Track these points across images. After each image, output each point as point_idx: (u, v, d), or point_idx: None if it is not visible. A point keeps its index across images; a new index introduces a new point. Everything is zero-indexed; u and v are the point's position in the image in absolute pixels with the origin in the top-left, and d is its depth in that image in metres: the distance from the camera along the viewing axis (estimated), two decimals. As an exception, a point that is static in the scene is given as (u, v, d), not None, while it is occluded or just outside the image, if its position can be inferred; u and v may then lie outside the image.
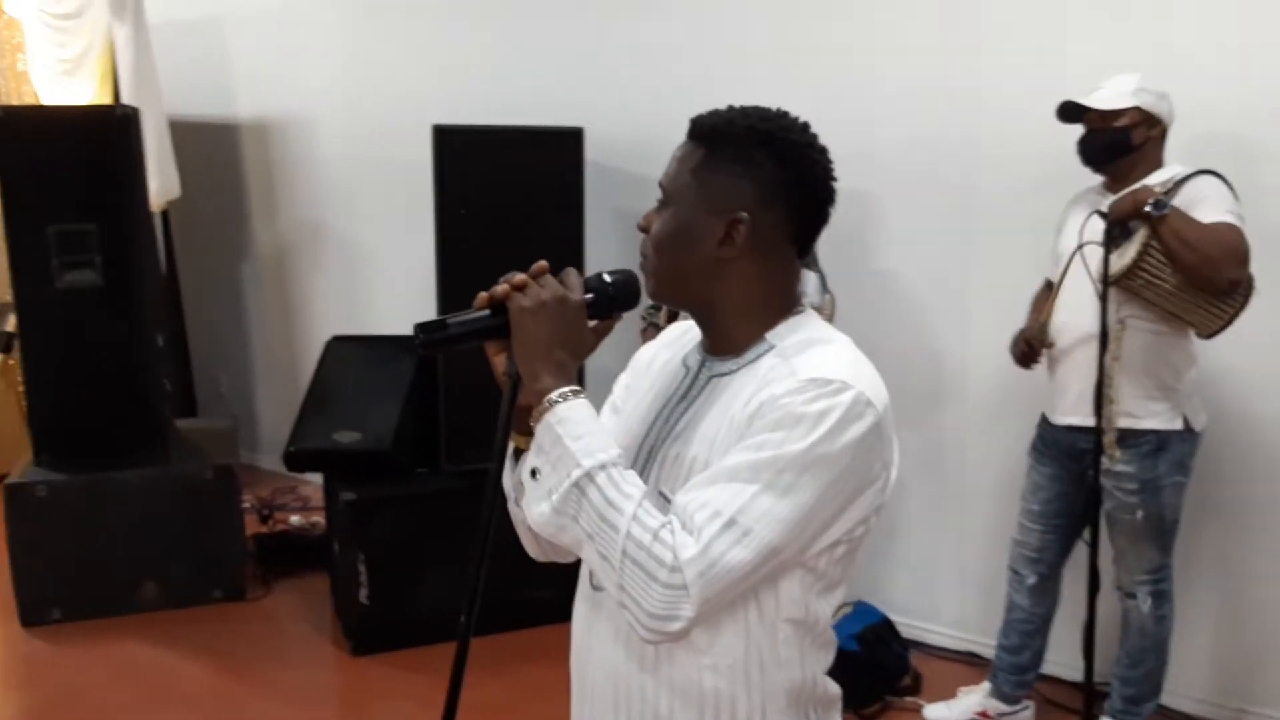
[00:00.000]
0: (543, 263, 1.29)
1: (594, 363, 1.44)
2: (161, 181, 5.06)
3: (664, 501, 1.24)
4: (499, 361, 1.31)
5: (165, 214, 5.61)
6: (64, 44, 5.22)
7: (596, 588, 1.35)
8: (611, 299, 1.32)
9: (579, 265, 3.84)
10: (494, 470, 1.31)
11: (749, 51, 4.03)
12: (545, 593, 3.47)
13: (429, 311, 4.00)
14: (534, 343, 1.25)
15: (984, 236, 3.59)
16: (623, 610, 1.21)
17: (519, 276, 1.28)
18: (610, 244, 4.07)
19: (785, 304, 1.34)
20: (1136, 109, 2.84)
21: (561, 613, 3.83)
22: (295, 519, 5.08)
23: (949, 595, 3.80)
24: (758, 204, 1.29)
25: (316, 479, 5.00)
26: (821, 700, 1.35)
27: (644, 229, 1.35)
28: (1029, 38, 3.42)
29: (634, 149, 4.27)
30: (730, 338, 1.34)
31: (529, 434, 1.26)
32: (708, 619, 1.21)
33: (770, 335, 1.31)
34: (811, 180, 1.32)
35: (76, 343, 4.19)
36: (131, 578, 4.16)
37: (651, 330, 3.56)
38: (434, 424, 4.02)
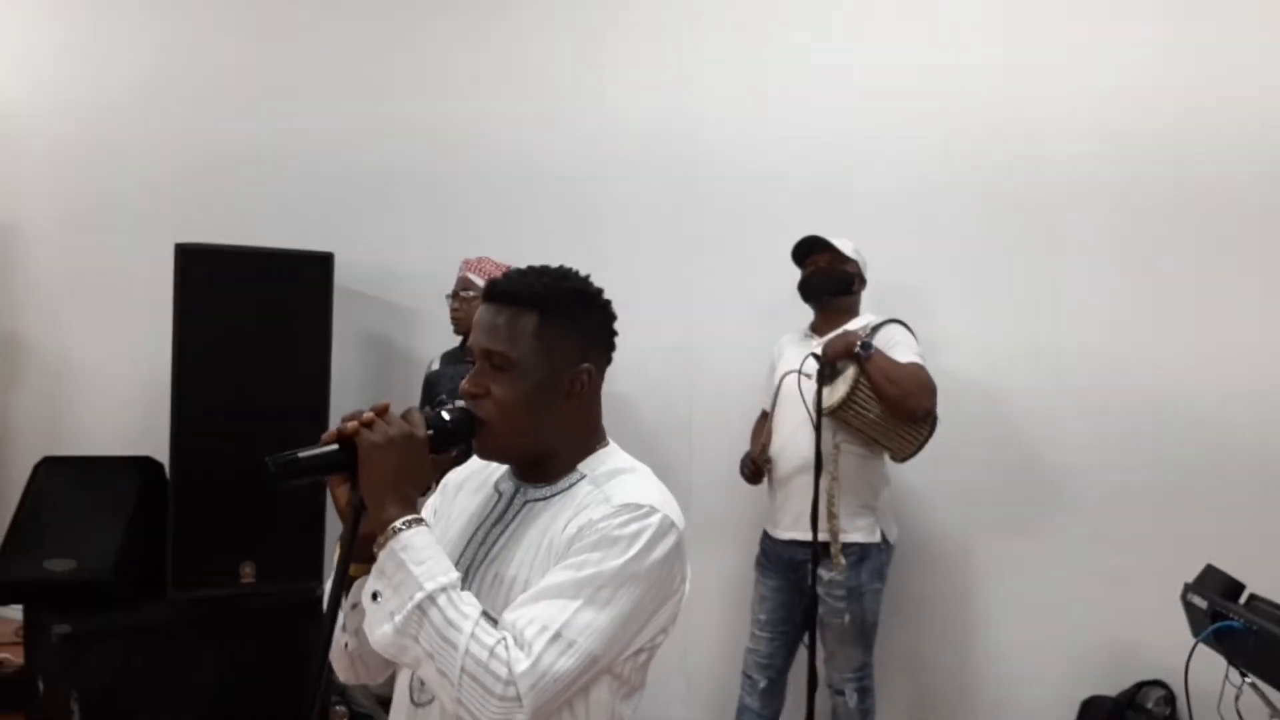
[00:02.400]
0: (386, 401, 1.40)
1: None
2: None
3: (494, 622, 1.34)
4: (341, 493, 1.38)
5: None
6: None
7: (418, 703, 1.43)
8: (451, 434, 1.43)
9: (325, 388, 3.89)
10: (333, 590, 1.36)
11: (496, 184, 4.28)
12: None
13: (157, 434, 3.89)
14: (381, 475, 1.34)
15: (706, 369, 3.97)
16: None
17: (367, 414, 1.37)
18: (355, 367, 4.14)
19: (598, 438, 1.52)
20: (856, 262, 3.33)
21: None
22: (-17, 657, 4.60)
23: (678, 708, 4.02)
24: (593, 354, 1.47)
25: (8, 612, 4.60)
26: None
27: (476, 394, 1.44)
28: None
29: (381, 277, 4.39)
30: (548, 470, 1.48)
31: (367, 561, 1.35)
32: None
33: (581, 466, 1.48)
34: (613, 329, 1.54)
35: None
36: None
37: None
38: (160, 551, 3.85)
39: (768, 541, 3.41)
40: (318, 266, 3.98)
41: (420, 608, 1.28)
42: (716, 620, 3.91)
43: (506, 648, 1.28)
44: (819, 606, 3.19)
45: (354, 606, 1.38)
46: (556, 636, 1.29)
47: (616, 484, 1.43)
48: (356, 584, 1.39)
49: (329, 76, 4.58)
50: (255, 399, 3.78)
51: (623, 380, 4.02)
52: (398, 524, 1.32)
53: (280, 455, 1.34)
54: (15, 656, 4.27)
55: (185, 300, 3.78)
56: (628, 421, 4.02)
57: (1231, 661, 2.56)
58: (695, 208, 3.99)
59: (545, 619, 1.30)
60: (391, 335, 4.36)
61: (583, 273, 1.53)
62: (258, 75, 4.70)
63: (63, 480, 4.07)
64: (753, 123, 3.89)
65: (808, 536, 3.10)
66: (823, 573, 3.15)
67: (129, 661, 3.64)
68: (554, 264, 1.52)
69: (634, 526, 1.36)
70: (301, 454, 1.36)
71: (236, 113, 4.71)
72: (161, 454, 3.91)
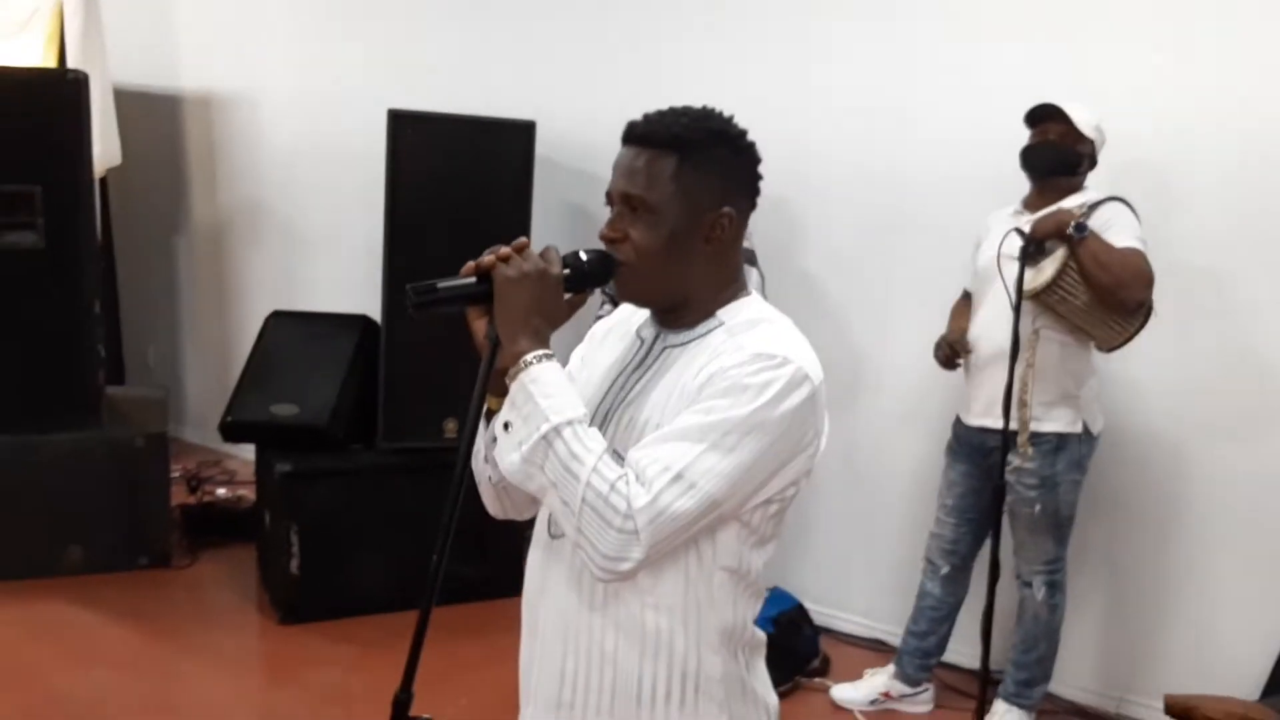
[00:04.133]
0: (524, 239, 1.41)
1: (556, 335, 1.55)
2: (103, 148, 5.03)
3: (620, 460, 1.35)
4: (479, 326, 1.41)
5: (104, 181, 5.58)
6: (12, 3, 5.17)
7: (554, 535, 1.47)
8: (586, 275, 1.43)
9: (525, 254, 3.99)
10: (469, 422, 1.40)
11: (690, 58, 4.20)
12: (472, 570, 3.62)
13: (373, 293, 4.10)
14: (514, 310, 1.36)
15: (906, 246, 3.80)
16: (579, 552, 1.34)
17: (504, 249, 1.38)
18: (556, 236, 4.13)
19: (738, 285, 1.49)
20: (1091, 141, 3.07)
21: (492, 590, 4.00)
22: (222, 491, 5.11)
23: (860, 585, 4.01)
24: (733, 199, 1.43)
25: (243, 454, 5.05)
26: (750, 643, 1.49)
27: (616, 239, 1.43)
28: (954, 64, 3.65)
29: (582, 146, 4.42)
30: (688, 316, 1.47)
31: (503, 394, 1.38)
32: (654, 563, 1.34)
33: (720, 313, 1.45)
34: (757, 170, 1.48)
35: (13, 303, 4.18)
36: (57, 541, 4.16)
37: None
38: (372, 402, 4.10)
39: (959, 427, 3.28)
40: (521, 134, 4.04)
41: (546, 439, 1.31)
42: (903, 503, 3.84)
43: (628, 483, 1.30)
44: (1009, 495, 3.07)
45: (493, 440, 1.42)
46: (678, 477, 1.30)
47: (752, 334, 1.40)
48: (495, 417, 1.41)
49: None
50: (461, 262, 3.90)
51: (813, 257, 3.97)
52: (529, 357, 1.34)
53: (419, 284, 1.38)
54: (252, 495, 4.69)
55: (396, 164, 3.93)
56: (820, 299, 3.94)
57: None
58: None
59: (668, 459, 1.31)
60: (589, 206, 4.41)
61: (726, 114, 1.48)
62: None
63: (289, 333, 4.39)
64: None
65: (999, 424, 2.96)
66: (1015, 460, 3.02)
67: (341, 501, 3.94)
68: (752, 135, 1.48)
69: (765, 375, 1.33)
70: (440, 284, 1.39)
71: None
72: (377, 311, 4.14)
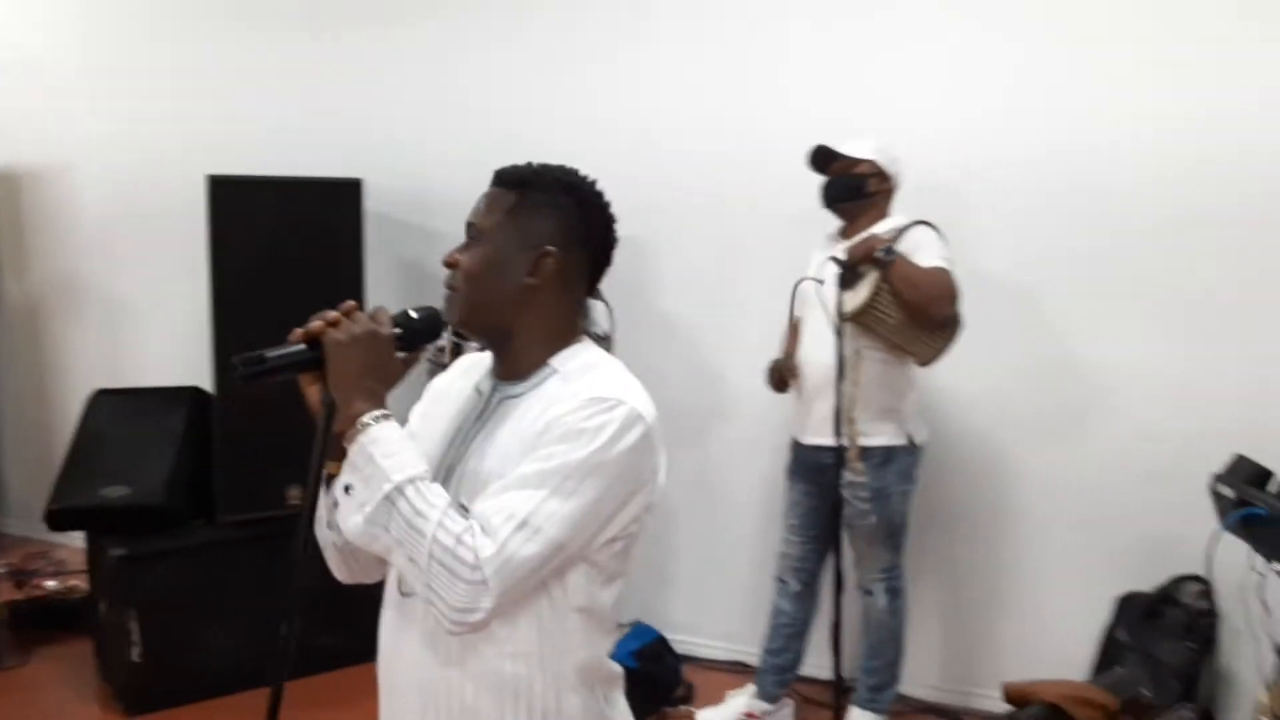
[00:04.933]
0: (351, 302, 1.44)
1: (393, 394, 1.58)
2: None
3: (465, 512, 1.38)
4: (313, 392, 1.43)
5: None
6: None
7: (405, 594, 1.48)
8: (418, 333, 1.47)
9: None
10: (310, 489, 1.41)
11: (520, 105, 4.28)
12: (330, 640, 3.54)
13: (202, 364, 3.99)
14: (348, 373, 1.38)
15: (743, 277, 3.97)
16: (430, 608, 1.35)
17: (332, 314, 1.41)
18: (392, 293, 4.18)
19: (571, 333, 1.54)
20: (872, 162, 3.28)
21: (351, 658, 3.90)
22: (52, 583, 4.82)
23: (718, 610, 4.10)
24: (562, 242, 1.49)
25: (72, 541, 4.80)
26: (607, 678, 1.53)
27: (451, 264, 1.50)
28: (777, 100, 3.86)
29: (413, 201, 4.43)
30: (521, 364, 1.51)
31: (343, 458, 1.39)
32: (505, 610, 1.37)
33: (553, 361, 1.50)
34: (603, 226, 1.55)
35: None
36: None
37: (438, 370, 3.70)
38: (208, 476, 3.98)
39: (796, 447, 3.43)
40: (348, 192, 4.02)
41: (389, 498, 1.33)
42: (752, 525, 3.96)
43: (474, 535, 1.33)
44: (846, 509, 3.21)
45: (335, 505, 1.43)
46: (523, 524, 1.33)
47: (586, 378, 1.45)
48: (336, 482, 1.42)
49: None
50: (292, 325, 3.85)
51: (661, 290, 4.08)
52: (366, 419, 1.37)
53: (247, 355, 1.38)
54: (84, 584, 4.46)
55: (218, 231, 3.85)
56: (669, 331, 4.05)
57: (1256, 548, 2.55)
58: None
59: (511, 508, 1.34)
60: (424, 260, 4.41)
61: (590, 177, 1.56)
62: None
63: (114, 411, 4.21)
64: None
65: (832, 441, 3.11)
66: (848, 476, 3.17)
67: (182, 580, 3.79)
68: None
69: (600, 419, 1.38)
70: (269, 354, 1.39)
71: (267, 42, 4.74)
72: (208, 383, 4.02)
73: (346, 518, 1.37)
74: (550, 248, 1.48)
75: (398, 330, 1.44)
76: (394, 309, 1.47)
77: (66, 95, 5.37)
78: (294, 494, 3.92)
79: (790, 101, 3.84)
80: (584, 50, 4.20)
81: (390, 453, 1.35)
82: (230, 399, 3.91)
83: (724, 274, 4.03)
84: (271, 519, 3.87)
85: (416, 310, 1.47)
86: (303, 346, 1.40)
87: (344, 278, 3.97)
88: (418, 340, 1.47)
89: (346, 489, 1.37)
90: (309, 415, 1.44)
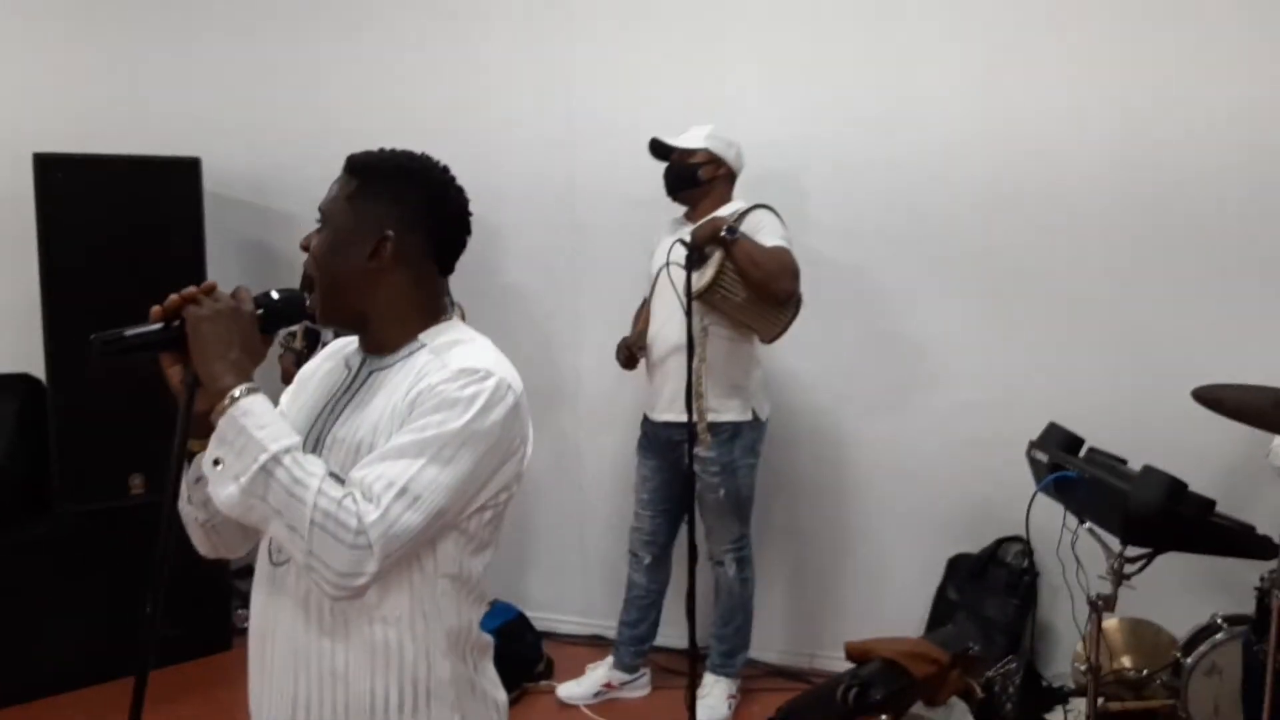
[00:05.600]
0: (212, 280, 1.43)
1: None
2: None
3: (341, 481, 1.39)
4: (174, 372, 1.41)
5: None
6: None
7: (277, 563, 1.49)
8: (278, 314, 1.47)
9: (202, 295, 3.85)
10: (173, 469, 1.40)
11: (363, 86, 4.23)
12: (183, 630, 3.47)
13: (33, 350, 3.81)
14: (212, 347, 1.37)
15: (592, 259, 4.03)
16: (310, 574, 1.36)
17: (192, 289, 1.40)
18: (233, 274, 4.07)
19: (433, 311, 1.57)
20: (706, 151, 3.37)
21: (200, 649, 3.81)
22: None
23: (575, 586, 4.18)
24: (402, 226, 1.51)
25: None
26: (476, 644, 1.57)
27: (305, 248, 1.54)
28: (620, 92, 3.93)
29: (254, 180, 4.31)
30: (386, 340, 1.54)
31: (205, 435, 1.38)
32: (384, 576, 1.39)
33: (422, 336, 1.54)
34: (447, 209, 1.57)
35: None
36: None
37: (289, 355, 3.64)
38: (43, 466, 3.82)
39: (647, 424, 3.52)
40: (185, 171, 3.89)
41: (265, 469, 1.33)
42: (606, 501, 4.05)
43: (355, 500, 1.34)
44: (697, 483, 3.32)
45: (197, 480, 1.43)
46: (403, 491, 1.36)
47: (454, 352, 1.49)
48: (197, 459, 1.42)
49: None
50: (130, 308, 3.71)
51: (513, 270, 4.09)
52: (235, 392, 1.35)
53: (106, 334, 1.35)
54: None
55: (47, 211, 3.69)
56: (520, 312, 4.08)
57: (1069, 508, 2.75)
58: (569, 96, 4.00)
59: (391, 475, 1.36)
60: (267, 240, 4.32)
61: (440, 163, 1.58)
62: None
63: (-64, 400, 3.99)
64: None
65: (682, 418, 3.20)
66: (698, 451, 3.27)
67: (19, 575, 3.64)
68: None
69: (472, 389, 1.42)
70: (128, 332, 1.37)
71: (106, 10, 4.53)
72: (39, 370, 3.85)
73: (218, 490, 1.35)
74: (389, 232, 1.50)
75: (260, 310, 1.43)
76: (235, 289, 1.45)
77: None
78: (137, 482, 3.80)
79: (639, 91, 3.90)
80: (437, 34, 4.17)
81: (263, 424, 1.34)
82: (65, 387, 3.76)
83: (573, 257, 4.08)
84: (111, 510, 3.75)
85: (278, 291, 1.47)
86: (161, 325, 1.38)
87: (183, 259, 3.86)
88: (278, 322, 1.47)
89: (216, 462, 1.36)
90: (166, 398, 1.41)
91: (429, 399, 1.41)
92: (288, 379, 3.72)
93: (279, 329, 1.50)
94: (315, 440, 1.50)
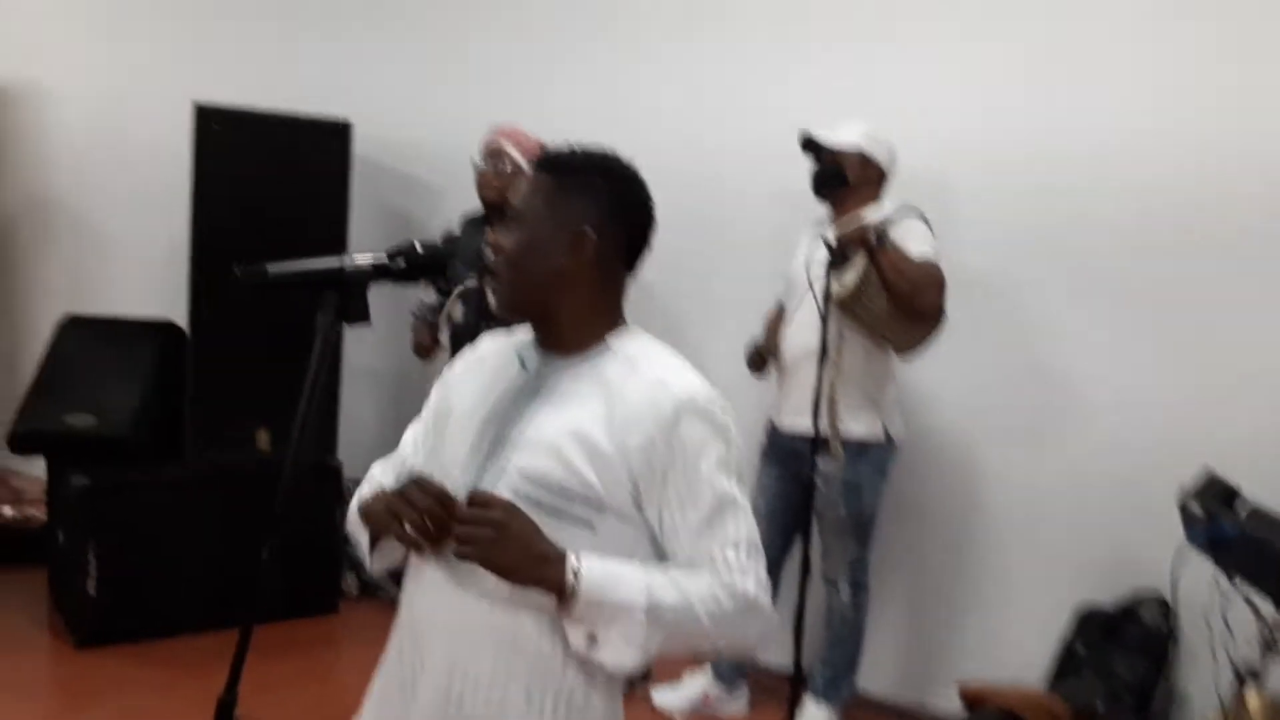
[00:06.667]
0: (451, 498, 1.40)
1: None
2: None
3: (685, 566, 1.41)
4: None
5: None
6: None
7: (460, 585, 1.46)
8: (420, 266, 1.52)
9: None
10: (296, 429, 1.46)
11: (517, 67, 4.19)
12: (289, 589, 3.50)
13: (177, 298, 3.91)
14: (522, 565, 1.35)
15: (728, 260, 3.93)
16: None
17: (435, 514, 1.37)
18: (375, 241, 4.10)
19: (617, 316, 1.55)
20: (858, 150, 3.22)
21: (303, 609, 3.86)
22: (8, 510, 4.76)
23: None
24: (598, 224, 1.49)
25: (31, 470, 4.73)
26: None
27: (494, 247, 1.53)
28: (769, 79, 3.82)
29: (403, 149, 4.35)
30: (571, 339, 1.51)
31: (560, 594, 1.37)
32: None
33: (610, 339, 1.52)
34: (641, 207, 1.55)
35: None
36: None
37: (421, 325, 3.64)
38: (178, 413, 3.92)
39: (772, 431, 3.40)
40: (337, 135, 3.95)
41: (651, 621, 1.37)
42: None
43: (729, 584, 1.41)
44: (816, 499, 3.19)
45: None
46: (751, 546, 1.44)
47: (653, 365, 1.49)
48: (573, 627, 1.39)
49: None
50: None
51: (650, 274, 4.00)
52: (568, 579, 1.35)
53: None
54: (41, 514, 4.39)
55: (202, 163, 3.77)
56: (652, 307, 4.00)
57: (1219, 565, 2.54)
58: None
59: (734, 536, 1.43)
60: (411, 210, 4.34)
61: (630, 160, 1.57)
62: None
63: (84, 339, 4.13)
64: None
65: (809, 426, 3.08)
66: (822, 465, 3.15)
67: (144, 517, 3.74)
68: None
69: (721, 420, 1.47)
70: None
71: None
72: (181, 317, 3.95)
73: (615, 659, 1.38)
74: (586, 229, 1.48)
75: (403, 265, 1.49)
76: (374, 254, 1.50)
77: (46, 12, 5.23)
78: (263, 437, 3.87)
79: (783, 85, 3.78)
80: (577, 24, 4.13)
81: (616, 584, 1.36)
82: (205, 337, 3.85)
83: (708, 255, 3.98)
84: (238, 463, 3.82)
85: (423, 245, 1.52)
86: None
87: (328, 221, 3.91)
88: (424, 272, 1.53)
89: (591, 638, 1.38)
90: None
91: (697, 426, 1.43)
92: (420, 350, 3.72)
93: (417, 280, 1.55)
94: (495, 438, 1.48)
